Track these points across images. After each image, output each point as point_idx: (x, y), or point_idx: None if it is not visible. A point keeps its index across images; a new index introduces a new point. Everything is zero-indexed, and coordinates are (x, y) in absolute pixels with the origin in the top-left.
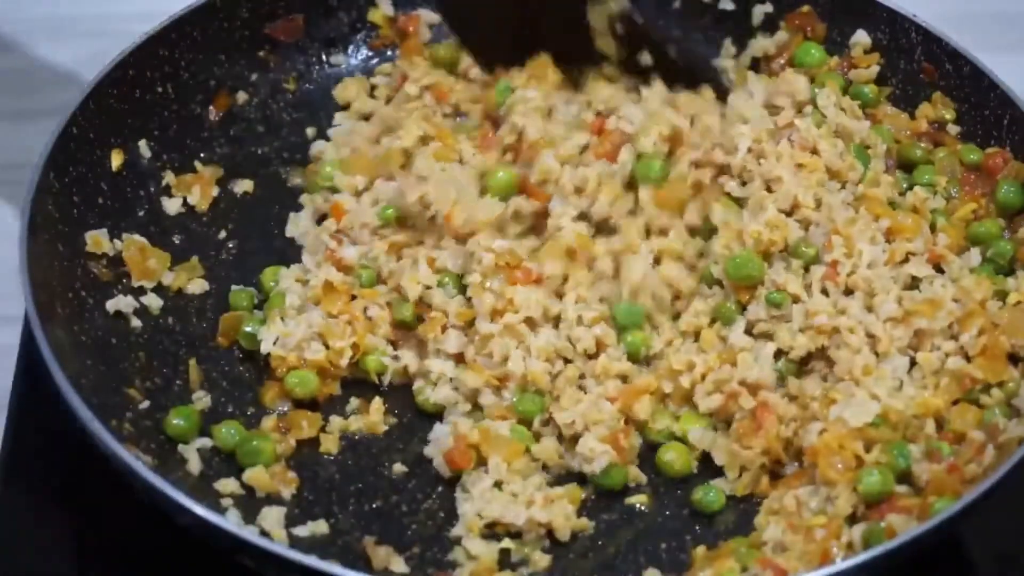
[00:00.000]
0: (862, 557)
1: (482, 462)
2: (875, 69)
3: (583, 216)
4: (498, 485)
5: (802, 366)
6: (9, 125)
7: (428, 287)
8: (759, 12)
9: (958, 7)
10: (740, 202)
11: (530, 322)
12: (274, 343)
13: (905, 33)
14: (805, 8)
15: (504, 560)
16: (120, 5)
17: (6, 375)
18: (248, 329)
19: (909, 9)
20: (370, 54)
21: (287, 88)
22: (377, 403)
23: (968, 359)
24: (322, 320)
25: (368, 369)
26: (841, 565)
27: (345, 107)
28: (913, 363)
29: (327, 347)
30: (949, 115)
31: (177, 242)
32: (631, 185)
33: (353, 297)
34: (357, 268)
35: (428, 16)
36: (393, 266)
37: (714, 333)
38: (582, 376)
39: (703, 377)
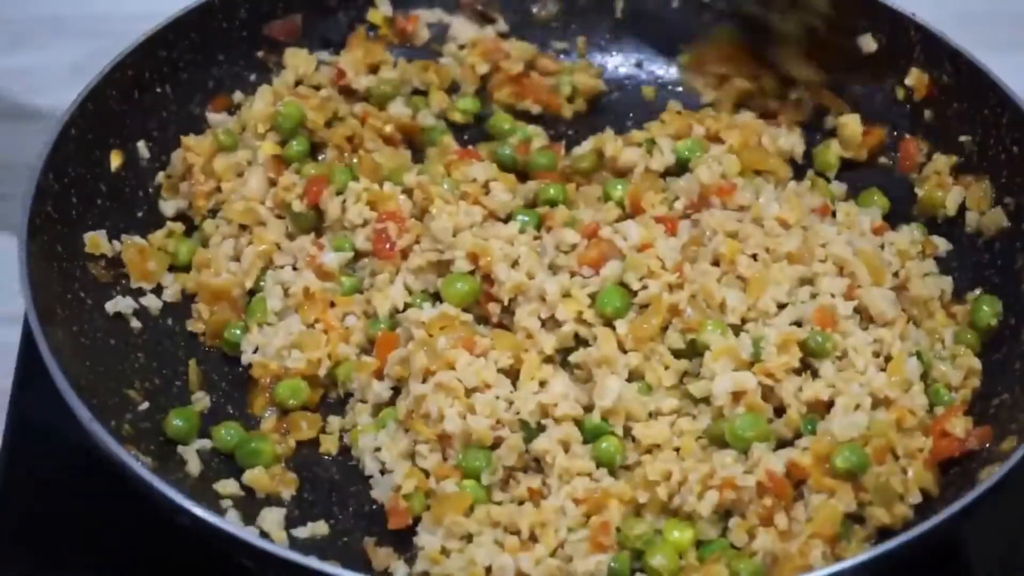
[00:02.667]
0: (862, 557)
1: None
2: None
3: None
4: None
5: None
6: (9, 125)
7: (398, 310)
8: None
9: (958, 7)
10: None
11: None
12: (254, 352)
13: (905, 33)
14: None
15: None
16: (120, 5)
17: (6, 375)
18: (228, 336)
19: (909, 9)
20: None
21: None
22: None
23: None
24: (299, 329)
25: (340, 379)
26: (841, 565)
27: None
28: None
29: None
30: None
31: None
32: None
33: (332, 304)
34: (338, 275)
35: (427, 16)
36: (369, 279)
37: (695, 443)
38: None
39: (680, 485)
